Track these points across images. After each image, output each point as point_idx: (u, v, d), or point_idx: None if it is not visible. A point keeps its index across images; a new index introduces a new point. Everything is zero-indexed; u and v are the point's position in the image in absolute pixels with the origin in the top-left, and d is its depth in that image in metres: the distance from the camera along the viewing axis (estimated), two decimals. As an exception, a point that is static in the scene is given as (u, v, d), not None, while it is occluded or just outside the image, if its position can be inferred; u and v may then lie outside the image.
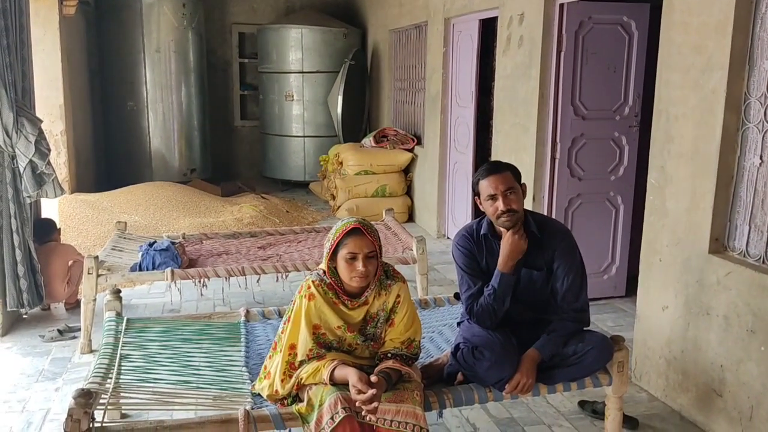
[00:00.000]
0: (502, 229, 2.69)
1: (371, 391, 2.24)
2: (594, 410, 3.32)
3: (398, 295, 2.50)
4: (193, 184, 8.28)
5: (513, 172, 2.69)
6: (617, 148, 4.73)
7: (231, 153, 10.25)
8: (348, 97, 8.48)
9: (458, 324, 2.97)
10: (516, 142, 4.96)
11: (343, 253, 2.40)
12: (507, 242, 2.65)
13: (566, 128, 4.60)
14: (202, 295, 4.76)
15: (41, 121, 4.30)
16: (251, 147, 10.17)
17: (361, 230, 2.39)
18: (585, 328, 2.77)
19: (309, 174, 9.18)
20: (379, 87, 8.83)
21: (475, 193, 2.72)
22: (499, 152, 5.29)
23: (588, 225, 4.70)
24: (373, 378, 2.30)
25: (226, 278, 4.27)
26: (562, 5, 4.48)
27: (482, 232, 2.77)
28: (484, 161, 6.11)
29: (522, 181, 2.72)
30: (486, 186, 2.64)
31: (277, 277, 4.52)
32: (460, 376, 2.69)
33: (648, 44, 4.54)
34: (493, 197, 2.63)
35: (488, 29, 5.93)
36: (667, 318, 3.44)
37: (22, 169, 4.17)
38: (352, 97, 8.62)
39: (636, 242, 4.64)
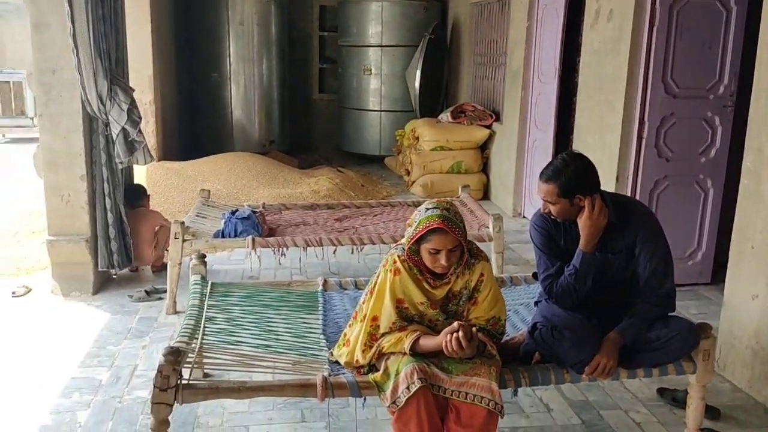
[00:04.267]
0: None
1: (460, 326, 2.27)
2: (674, 398, 3.22)
3: (482, 274, 2.48)
4: (271, 155, 8.45)
5: (560, 186, 2.55)
6: (709, 129, 4.51)
7: (308, 126, 10.39)
8: (426, 72, 8.41)
9: (536, 303, 2.93)
10: (601, 121, 4.81)
11: (426, 246, 2.39)
12: (585, 221, 2.59)
13: (655, 107, 4.42)
14: (280, 263, 4.88)
15: (133, 90, 4.47)
16: (328, 120, 10.26)
17: (445, 229, 2.34)
18: (670, 314, 2.69)
19: (384, 148, 9.20)
20: (458, 62, 8.72)
21: None
22: (582, 130, 5.15)
23: (674, 208, 4.52)
24: (475, 332, 2.32)
25: (303, 248, 4.36)
26: (656, -22, 4.28)
27: None
28: (565, 139, 5.99)
29: (579, 195, 2.58)
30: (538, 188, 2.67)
31: (353, 250, 4.57)
32: (537, 356, 2.67)
33: (746, 20, 4.29)
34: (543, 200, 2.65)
35: (574, 2, 5.73)
36: (757, 307, 3.29)
37: (114, 136, 4.36)
38: (430, 72, 8.55)
39: (724, 228, 4.44)
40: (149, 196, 5.13)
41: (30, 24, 4.25)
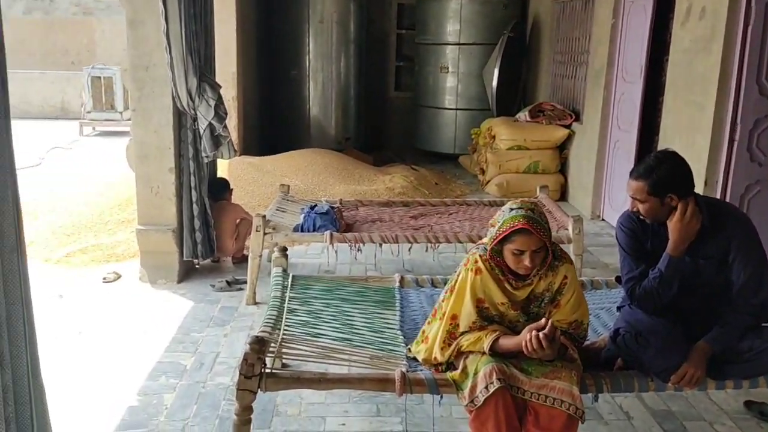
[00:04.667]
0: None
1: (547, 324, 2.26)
2: (761, 412, 3.09)
3: (565, 276, 2.44)
4: (347, 152, 8.55)
5: (651, 183, 2.48)
6: (807, 132, 4.29)
7: (384, 123, 10.45)
8: (504, 70, 8.32)
9: (618, 308, 2.86)
10: (689, 122, 4.64)
11: (509, 247, 2.37)
12: (676, 224, 2.50)
13: (749, 108, 4.23)
14: (355, 259, 4.96)
15: (220, 87, 4.62)
16: (403, 118, 10.28)
17: (530, 230, 2.31)
18: (763, 324, 2.57)
19: (459, 147, 9.16)
20: (537, 60, 8.59)
21: None
22: (668, 132, 4.99)
23: (766, 214, 4.32)
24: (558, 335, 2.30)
25: (379, 244, 4.41)
26: (753, -26, 4.10)
27: None
28: (649, 140, 5.81)
29: (669, 195, 2.50)
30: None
31: (427, 248, 4.59)
32: (619, 362, 2.60)
33: None
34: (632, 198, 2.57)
35: (663, 0, 5.55)
36: None
37: (202, 131, 4.52)
38: (507, 70, 8.45)
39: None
40: (232, 189, 5.29)
41: (125, 21, 4.46)
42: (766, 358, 2.47)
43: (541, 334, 2.25)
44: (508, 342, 2.36)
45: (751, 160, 4.31)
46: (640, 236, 2.68)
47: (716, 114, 4.34)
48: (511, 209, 2.38)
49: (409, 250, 4.82)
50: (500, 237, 2.37)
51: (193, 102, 4.44)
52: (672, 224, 2.52)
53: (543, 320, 2.30)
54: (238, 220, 5.05)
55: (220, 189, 5.09)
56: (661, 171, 2.51)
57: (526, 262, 2.35)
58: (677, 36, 4.90)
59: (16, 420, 2.02)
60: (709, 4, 4.42)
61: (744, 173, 4.32)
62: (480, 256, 2.45)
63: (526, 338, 2.28)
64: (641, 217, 2.59)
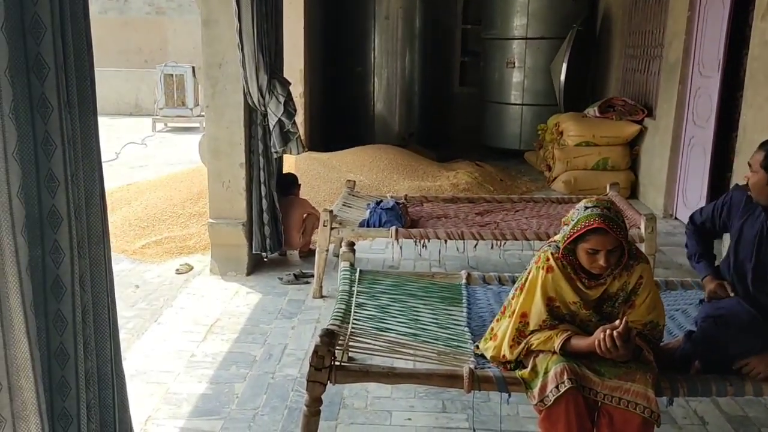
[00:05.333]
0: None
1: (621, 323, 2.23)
2: None
3: (641, 276, 2.38)
4: (411, 147, 8.55)
5: (765, 155, 2.54)
6: None
7: (448, 119, 10.40)
8: (572, 65, 8.16)
9: (700, 302, 2.82)
10: (771, 118, 4.45)
11: (584, 246, 2.31)
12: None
13: (837, 103, 4.03)
14: (420, 255, 4.95)
15: (290, 84, 4.69)
16: (468, 113, 10.22)
17: (606, 230, 2.26)
18: None
19: (524, 143, 9.03)
20: (607, 55, 8.38)
21: None
22: (747, 128, 4.78)
23: None
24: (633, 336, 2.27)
25: (444, 240, 4.40)
26: None
27: None
28: (727, 137, 5.59)
29: None
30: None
31: (492, 245, 4.55)
32: (696, 365, 2.52)
33: None
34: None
35: (742, -9, 5.33)
36: None
37: (271, 127, 4.60)
38: (576, 65, 8.28)
39: None
40: (300, 185, 5.37)
41: (200, 20, 4.58)
42: None
43: (615, 333, 2.20)
44: (580, 342, 2.31)
45: (839, 158, 4.09)
46: (732, 208, 2.74)
47: (801, 109, 4.14)
48: (586, 207, 2.33)
49: (475, 247, 4.78)
50: (575, 236, 2.32)
51: (264, 99, 4.53)
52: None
53: (618, 321, 2.25)
54: (305, 215, 5.13)
55: (288, 184, 5.19)
56: None
57: (601, 261, 2.29)
58: (758, 29, 4.69)
59: (99, 405, 2.12)
60: (794, -6, 4.22)
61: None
62: (552, 254, 2.41)
63: (599, 337, 2.23)
64: (748, 190, 2.60)
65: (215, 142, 4.68)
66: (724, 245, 4.47)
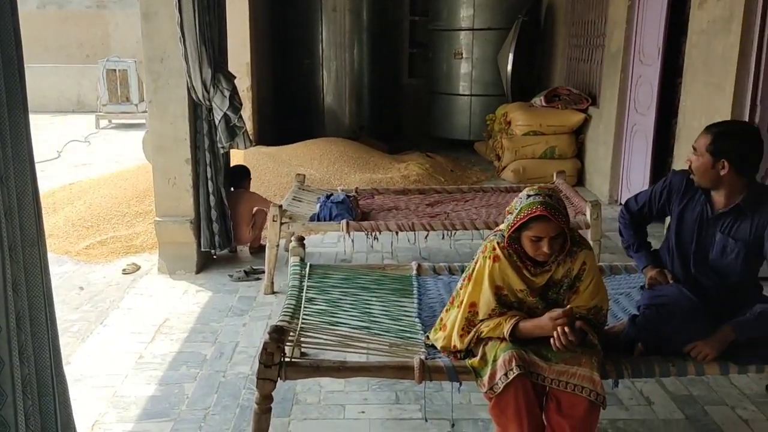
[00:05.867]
0: (716, 194, 2.65)
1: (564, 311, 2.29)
2: (785, 396, 3.07)
3: (584, 263, 2.42)
4: (361, 140, 8.54)
5: (712, 139, 2.56)
6: (829, 112, 4.22)
7: (398, 111, 10.41)
8: (519, 55, 8.25)
9: (641, 288, 2.88)
10: (708, 104, 4.58)
11: (527, 234, 2.35)
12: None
13: (769, 89, 4.17)
14: (372, 247, 4.96)
15: (235, 77, 4.62)
16: (418, 105, 10.25)
17: (548, 217, 2.29)
18: None
19: (474, 133, 9.10)
20: (552, 44, 8.51)
21: None
22: (687, 114, 4.92)
23: (788, 197, 4.26)
24: (578, 323, 2.31)
25: (395, 232, 4.41)
26: (773, -49, 4.02)
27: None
28: (667, 123, 5.74)
29: (725, 157, 2.54)
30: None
31: (444, 235, 4.58)
32: (639, 347, 2.59)
33: None
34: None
35: (680, -20, 5.47)
36: None
37: (217, 122, 4.52)
38: (522, 55, 8.38)
39: None
40: (250, 177, 5.28)
41: (140, 14, 4.46)
42: (789, 343, 2.45)
43: (567, 330, 2.26)
44: (527, 324, 2.35)
45: (772, 142, 4.24)
46: (672, 193, 2.77)
47: (735, 95, 4.27)
48: (529, 196, 2.36)
49: (426, 237, 4.81)
50: (518, 224, 2.35)
51: (208, 93, 4.44)
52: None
53: (562, 310, 2.30)
54: (254, 210, 5.07)
55: (238, 176, 5.10)
56: (732, 135, 2.56)
57: (545, 248, 2.33)
58: (695, 17, 4.82)
59: (40, 413, 2.05)
60: (727, -17, 4.35)
61: (765, 156, 4.24)
62: (498, 243, 2.44)
63: (554, 337, 2.28)
64: (691, 174, 2.63)
65: (159, 138, 4.58)
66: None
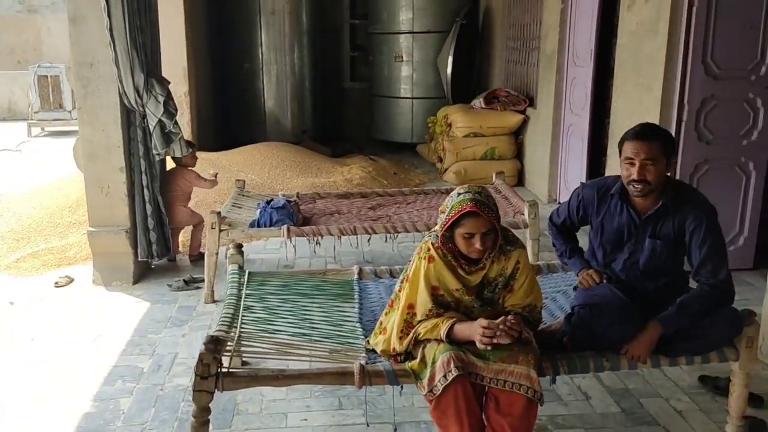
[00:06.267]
0: (635, 198, 2.63)
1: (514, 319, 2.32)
2: (716, 386, 3.17)
3: (518, 262, 2.46)
4: (304, 144, 8.48)
5: (663, 142, 2.55)
6: (751, 111, 4.39)
7: (340, 114, 10.39)
8: (458, 58, 8.33)
9: (574, 288, 2.91)
10: (638, 104, 4.72)
11: (459, 231, 2.38)
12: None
13: (695, 89, 4.32)
14: (315, 252, 4.94)
15: (169, 83, 4.52)
16: (360, 108, 10.24)
17: (478, 212, 2.33)
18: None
19: (416, 136, 9.15)
20: (491, 47, 8.63)
21: (619, 150, 2.64)
22: (618, 114, 5.06)
23: (715, 192, 4.36)
24: (512, 318, 2.34)
25: (338, 237, 4.38)
26: (696, -44, 4.17)
27: (612, 191, 2.70)
28: (601, 123, 5.89)
29: (674, 156, 2.59)
30: (628, 148, 2.55)
31: (386, 238, 4.58)
32: (565, 339, 2.62)
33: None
34: (630, 162, 2.54)
35: (610, -17, 5.62)
36: (803, 294, 3.21)
37: (152, 128, 4.42)
38: (462, 58, 8.47)
39: (767, 212, 4.34)
40: (194, 150, 4.99)
41: (68, 18, 4.32)
42: (716, 334, 2.54)
43: (488, 332, 2.29)
44: (461, 327, 2.37)
45: (699, 140, 4.40)
46: (588, 207, 2.78)
47: (664, 95, 4.41)
48: (459, 194, 2.41)
49: (368, 241, 4.80)
50: (450, 222, 2.38)
51: (141, 99, 4.34)
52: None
53: (489, 323, 2.32)
54: (195, 223, 4.98)
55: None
56: (664, 132, 2.61)
57: (477, 245, 2.36)
58: (624, 19, 4.97)
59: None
60: (654, -14, 4.49)
61: (692, 152, 4.41)
62: (432, 244, 2.46)
63: (476, 337, 2.30)
64: (647, 180, 2.52)
65: (91, 145, 4.44)
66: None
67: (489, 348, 2.30)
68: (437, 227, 2.50)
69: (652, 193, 2.58)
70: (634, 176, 2.53)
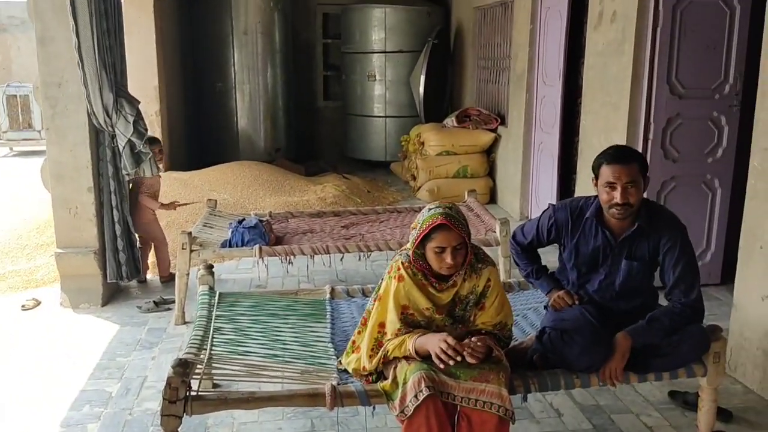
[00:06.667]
0: (610, 218, 2.63)
1: (481, 343, 2.32)
2: (685, 401, 3.20)
3: (489, 279, 2.48)
4: (278, 163, 8.46)
5: (640, 164, 2.58)
6: (716, 129, 4.49)
7: (314, 133, 10.40)
8: (430, 77, 8.42)
9: (545, 307, 2.92)
10: (606, 122, 4.80)
11: (430, 245, 2.39)
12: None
13: (661, 107, 4.41)
14: (287, 272, 4.90)
15: (139, 102, 4.48)
16: (333, 127, 10.26)
17: (449, 226, 2.35)
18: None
19: (390, 154, 9.20)
20: (462, 66, 8.73)
21: (595, 174, 2.63)
22: (587, 132, 5.14)
23: (682, 209, 4.43)
24: (480, 342, 2.32)
25: (310, 256, 4.36)
26: (659, -22, 4.28)
27: (587, 215, 2.69)
28: (570, 141, 5.97)
29: (648, 174, 2.61)
30: (608, 173, 2.54)
31: (360, 256, 4.58)
32: (536, 358, 2.63)
33: (750, 19, 4.28)
34: (611, 186, 2.54)
35: (577, 4, 5.73)
36: (767, 308, 3.27)
37: (121, 148, 4.37)
38: (434, 77, 8.55)
39: (733, 228, 4.41)
40: (158, 145, 4.84)
41: (35, 38, 4.28)
42: (684, 351, 2.57)
43: (450, 343, 2.28)
44: (423, 341, 2.35)
45: (665, 158, 4.48)
46: (561, 229, 2.75)
47: (630, 114, 4.49)
48: (429, 209, 2.43)
49: (341, 260, 4.79)
50: (421, 236, 2.39)
51: (111, 119, 4.30)
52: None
53: (455, 344, 2.30)
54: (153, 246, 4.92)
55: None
56: (638, 153, 2.65)
57: (448, 259, 2.37)
58: (591, 39, 5.06)
59: None
60: (620, 7, 4.58)
61: (659, 170, 4.48)
62: (402, 263, 2.46)
63: (435, 350, 2.29)
64: (630, 203, 2.52)
65: (58, 166, 4.38)
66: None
67: (443, 367, 2.29)
68: (408, 245, 2.51)
69: (631, 216, 2.59)
70: (617, 200, 2.52)
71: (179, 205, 5.05)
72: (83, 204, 4.41)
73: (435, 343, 2.32)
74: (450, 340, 2.30)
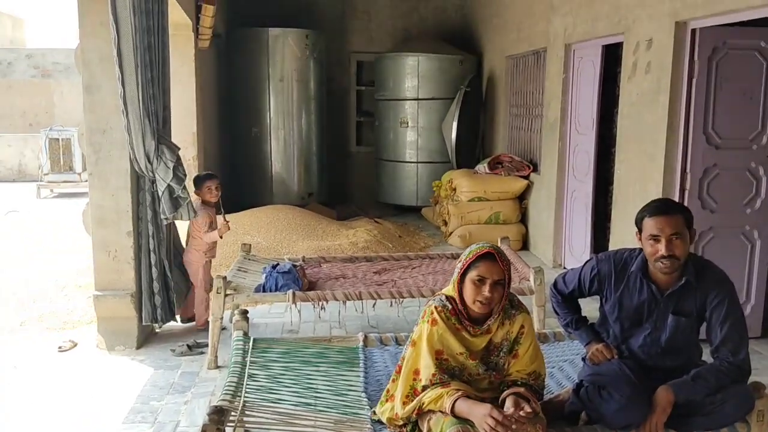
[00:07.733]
0: (656, 272, 2.58)
1: (528, 408, 2.27)
2: (728, 460, 3.09)
3: (522, 326, 2.47)
4: (310, 207, 8.55)
5: (685, 216, 2.54)
6: (754, 180, 4.44)
7: (346, 178, 10.52)
8: (462, 124, 8.51)
9: (583, 359, 2.87)
10: (642, 172, 4.78)
11: (472, 275, 2.41)
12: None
13: (697, 158, 4.38)
14: (320, 317, 4.91)
15: (179, 149, 4.60)
16: (365, 172, 10.36)
17: (494, 256, 2.39)
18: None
19: (421, 199, 9.25)
20: (494, 113, 8.80)
21: (638, 228, 2.59)
22: (622, 181, 5.11)
23: (720, 261, 4.31)
24: (527, 408, 2.28)
25: (343, 302, 4.37)
26: (694, 30, 4.30)
27: (632, 268, 2.64)
28: (605, 190, 5.94)
29: (693, 227, 2.57)
30: (651, 225, 2.51)
31: (392, 303, 4.57)
32: (584, 416, 2.60)
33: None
34: (656, 238, 2.50)
35: (610, 55, 5.77)
36: (813, 365, 3.17)
37: (160, 193, 4.47)
38: (466, 124, 8.64)
39: (775, 280, 4.33)
40: (215, 181, 4.96)
41: (82, 86, 4.44)
42: (727, 411, 2.50)
43: (498, 416, 2.23)
44: (463, 407, 2.31)
45: (703, 208, 4.43)
46: (604, 281, 2.70)
47: (666, 164, 4.47)
48: (477, 244, 2.48)
49: (374, 306, 4.79)
50: (467, 264, 2.42)
51: (151, 164, 4.41)
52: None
53: (503, 415, 2.25)
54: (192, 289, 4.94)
55: (198, 182, 4.93)
56: (682, 205, 2.65)
57: (486, 291, 2.37)
58: (625, 90, 5.08)
59: None
60: (654, 58, 4.61)
61: (697, 221, 4.30)
62: (435, 307, 2.47)
63: (483, 427, 2.24)
64: (676, 256, 2.48)
65: (100, 210, 4.49)
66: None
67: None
68: (445, 290, 2.52)
69: (679, 269, 2.54)
70: (663, 252, 2.48)
71: (226, 222, 5.01)
72: (122, 247, 4.50)
73: (480, 418, 2.26)
74: (496, 414, 2.23)
